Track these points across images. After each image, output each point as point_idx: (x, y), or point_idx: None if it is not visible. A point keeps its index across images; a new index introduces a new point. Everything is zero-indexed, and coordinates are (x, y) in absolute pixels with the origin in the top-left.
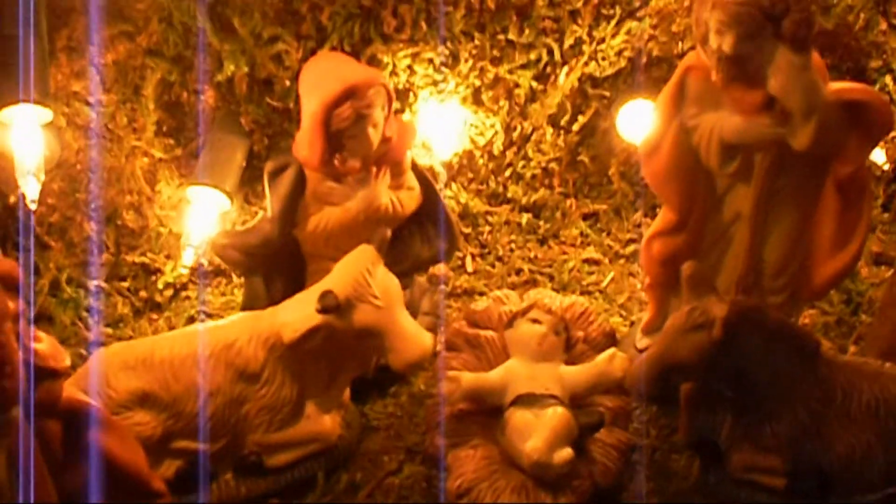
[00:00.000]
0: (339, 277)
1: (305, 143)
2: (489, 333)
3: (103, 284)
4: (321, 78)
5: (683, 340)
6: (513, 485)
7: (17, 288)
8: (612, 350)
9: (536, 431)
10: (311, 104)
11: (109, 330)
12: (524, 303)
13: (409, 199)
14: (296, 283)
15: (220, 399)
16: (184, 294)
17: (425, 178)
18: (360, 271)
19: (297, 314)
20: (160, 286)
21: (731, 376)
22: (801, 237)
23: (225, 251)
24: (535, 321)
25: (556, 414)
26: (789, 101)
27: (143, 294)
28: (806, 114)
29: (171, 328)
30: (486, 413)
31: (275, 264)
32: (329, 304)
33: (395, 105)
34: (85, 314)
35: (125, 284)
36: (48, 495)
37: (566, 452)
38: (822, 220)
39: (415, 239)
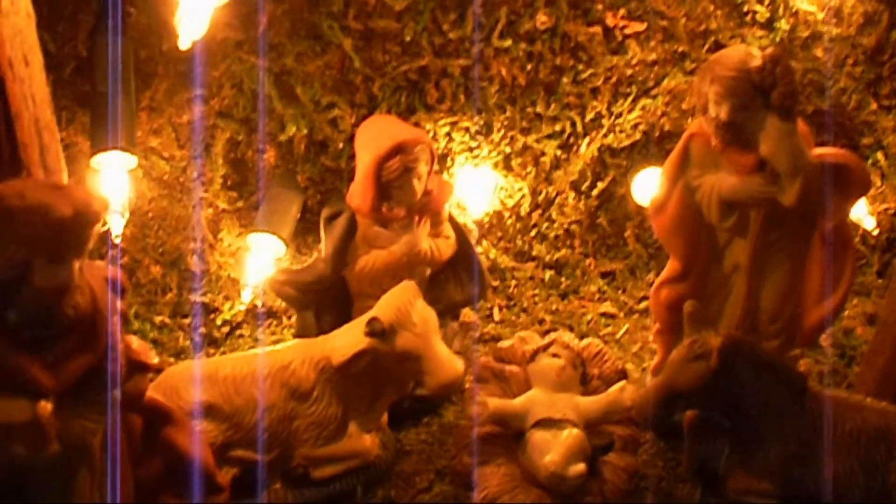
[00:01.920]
0: (384, 307)
1: (358, 192)
2: (514, 368)
3: (167, 320)
4: (375, 135)
5: (684, 370)
6: (531, 498)
7: (122, 292)
8: (622, 382)
9: (554, 448)
10: (365, 157)
11: (172, 360)
12: (545, 340)
13: (446, 246)
14: (343, 319)
15: (274, 414)
16: (238, 332)
17: (460, 230)
18: (403, 302)
19: (346, 340)
20: (218, 323)
21: (727, 405)
22: (794, 286)
23: (282, 287)
24: (554, 355)
25: (571, 434)
26: (778, 162)
27: (202, 330)
28: (792, 174)
29: None
30: (509, 437)
31: (325, 301)
32: (376, 329)
33: (435, 167)
34: (150, 345)
35: (186, 321)
36: (127, 481)
37: (580, 467)
38: (811, 272)
39: (449, 283)
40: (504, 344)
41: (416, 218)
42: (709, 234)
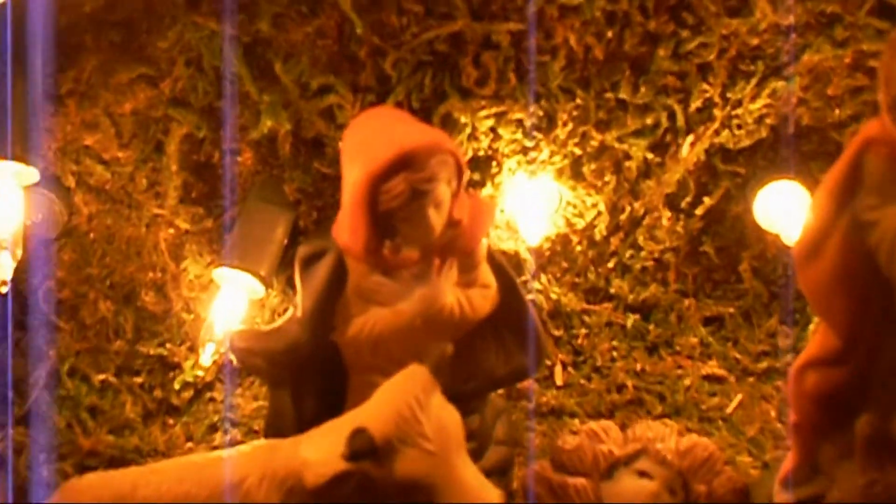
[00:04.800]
0: (378, 410)
1: (346, 225)
2: (580, 481)
3: (111, 379)
4: (369, 140)
5: None
6: None
7: None
8: None
9: None
10: (353, 174)
11: (111, 438)
12: (629, 444)
13: (483, 299)
14: (333, 402)
15: None
16: (207, 395)
17: (505, 273)
18: (406, 403)
19: (324, 452)
20: (177, 386)
21: None
22: None
23: (245, 357)
24: (643, 474)
25: None
26: None
27: (157, 393)
28: None
29: (189, 438)
30: None
31: (306, 376)
32: (360, 449)
33: (474, 176)
34: (85, 415)
35: (138, 380)
36: None
37: None
38: None
39: (489, 350)
40: (568, 442)
41: (437, 262)
42: (885, 295)
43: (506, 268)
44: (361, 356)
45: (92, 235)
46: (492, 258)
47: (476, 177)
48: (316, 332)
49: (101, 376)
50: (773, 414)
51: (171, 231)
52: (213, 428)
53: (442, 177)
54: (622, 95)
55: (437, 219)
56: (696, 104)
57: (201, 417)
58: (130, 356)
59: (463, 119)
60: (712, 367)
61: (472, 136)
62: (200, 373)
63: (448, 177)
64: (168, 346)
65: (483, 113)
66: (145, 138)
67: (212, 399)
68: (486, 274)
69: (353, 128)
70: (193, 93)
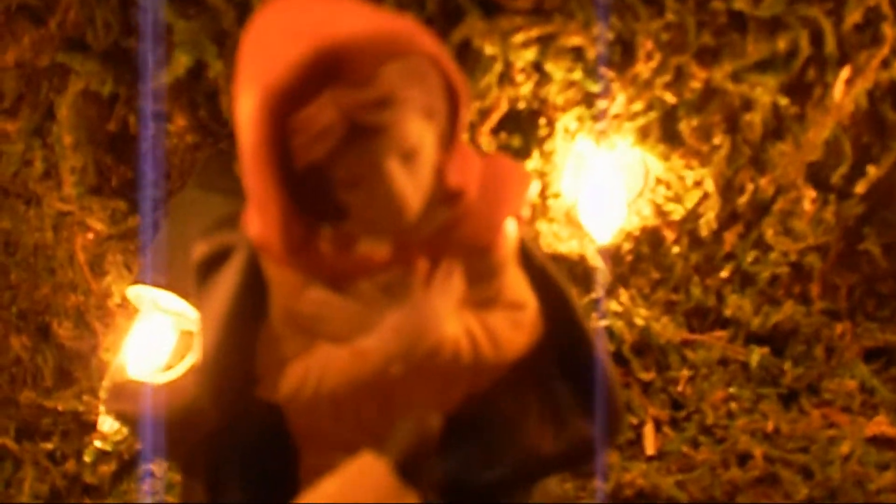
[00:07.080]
0: None
1: (253, 202)
2: None
3: (10, 444)
4: (271, 41)
5: None
6: None
7: None
8: None
9: None
10: (246, 104)
11: None
12: None
13: (514, 328)
14: (272, 496)
15: None
16: (142, 468)
17: (552, 284)
18: None
19: None
20: (88, 458)
21: None
22: None
23: (124, 425)
24: None
25: None
26: None
27: (70, 466)
28: None
29: None
30: None
31: (223, 457)
32: None
33: (512, 141)
34: None
35: (47, 446)
36: None
37: None
38: None
39: (528, 413)
40: None
41: (423, 263)
42: None
43: (554, 276)
44: (317, 424)
45: None
46: (528, 259)
47: (515, 142)
48: (222, 390)
49: None
50: None
51: (91, 236)
52: None
53: (411, 99)
54: (738, 6)
55: (407, 181)
56: (853, 18)
57: (129, 499)
58: (40, 412)
59: (489, 50)
60: (880, 425)
61: (506, 78)
62: (98, 444)
63: (427, 102)
64: (85, 398)
65: (520, 39)
66: (35, 101)
67: (150, 474)
68: (517, 286)
69: (251, 27)
70: (91, 29)
